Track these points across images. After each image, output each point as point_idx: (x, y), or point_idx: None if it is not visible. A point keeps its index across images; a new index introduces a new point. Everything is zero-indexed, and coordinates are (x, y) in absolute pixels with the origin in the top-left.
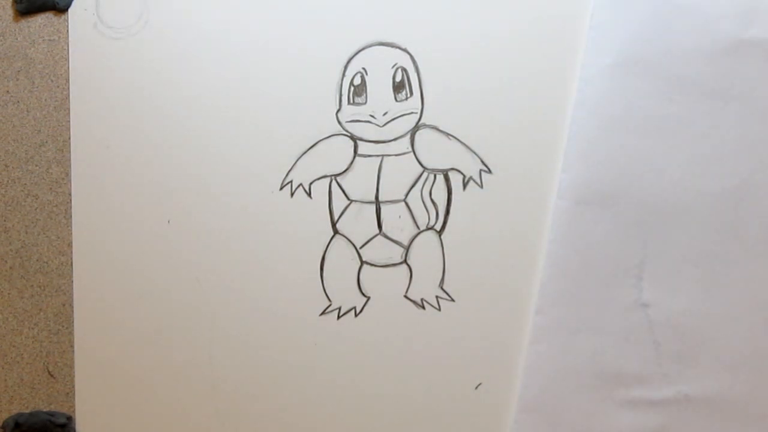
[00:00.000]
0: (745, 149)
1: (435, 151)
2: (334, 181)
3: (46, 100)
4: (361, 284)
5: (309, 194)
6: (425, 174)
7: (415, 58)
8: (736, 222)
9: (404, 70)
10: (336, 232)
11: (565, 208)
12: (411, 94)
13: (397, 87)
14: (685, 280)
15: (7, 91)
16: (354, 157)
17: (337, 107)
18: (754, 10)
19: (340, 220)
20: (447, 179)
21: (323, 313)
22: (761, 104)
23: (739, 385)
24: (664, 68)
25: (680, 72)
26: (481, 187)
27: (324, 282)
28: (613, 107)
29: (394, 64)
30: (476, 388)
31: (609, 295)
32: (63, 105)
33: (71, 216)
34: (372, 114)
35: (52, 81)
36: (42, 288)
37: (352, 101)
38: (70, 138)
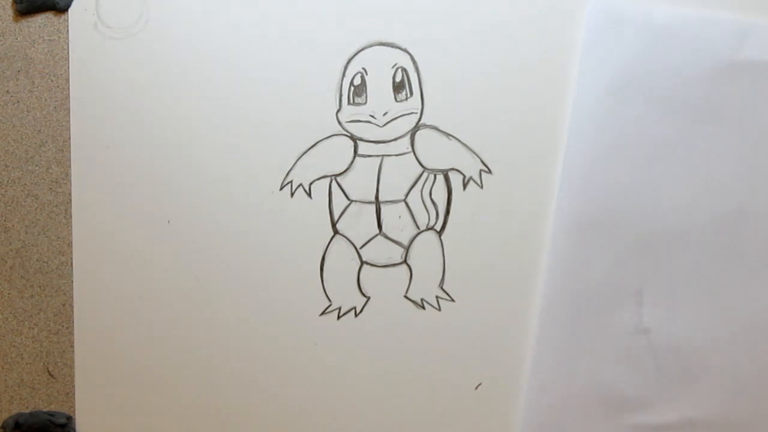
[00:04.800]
0: (741, 172)
1: (435, 151)
2: (334, 181)
3: (46, 100)
4: (361, 284)
5: (309, 194)
6: (425, 174)
7: (415, 58)
8: (735, 245)
9: (404, 70)
10: (336, 232)
11: (563, 234)
12: (411, 94)
13: (397, 87)
14: (685, 305)
15: (7, 91)
16: (354, 157)
17: (337, 107)
18: (745, 32)
19: (340, 220)
20: (447, 179)
21: (323, 313)
22: (756, 125)
23: (742, 408)
24: (658, 93)
25: (674, 96)
26: (481, 187)
27: (324, 282)
28: (609, 133)
29: (394, 64)
30: (476, 388)
31: (609, 321)
32: (63, 105)
33: (71, 216)
34: (372, 114)
35: (52, 81)
36: (42, 288)
37: (352, 101)
38: (70, 138)
